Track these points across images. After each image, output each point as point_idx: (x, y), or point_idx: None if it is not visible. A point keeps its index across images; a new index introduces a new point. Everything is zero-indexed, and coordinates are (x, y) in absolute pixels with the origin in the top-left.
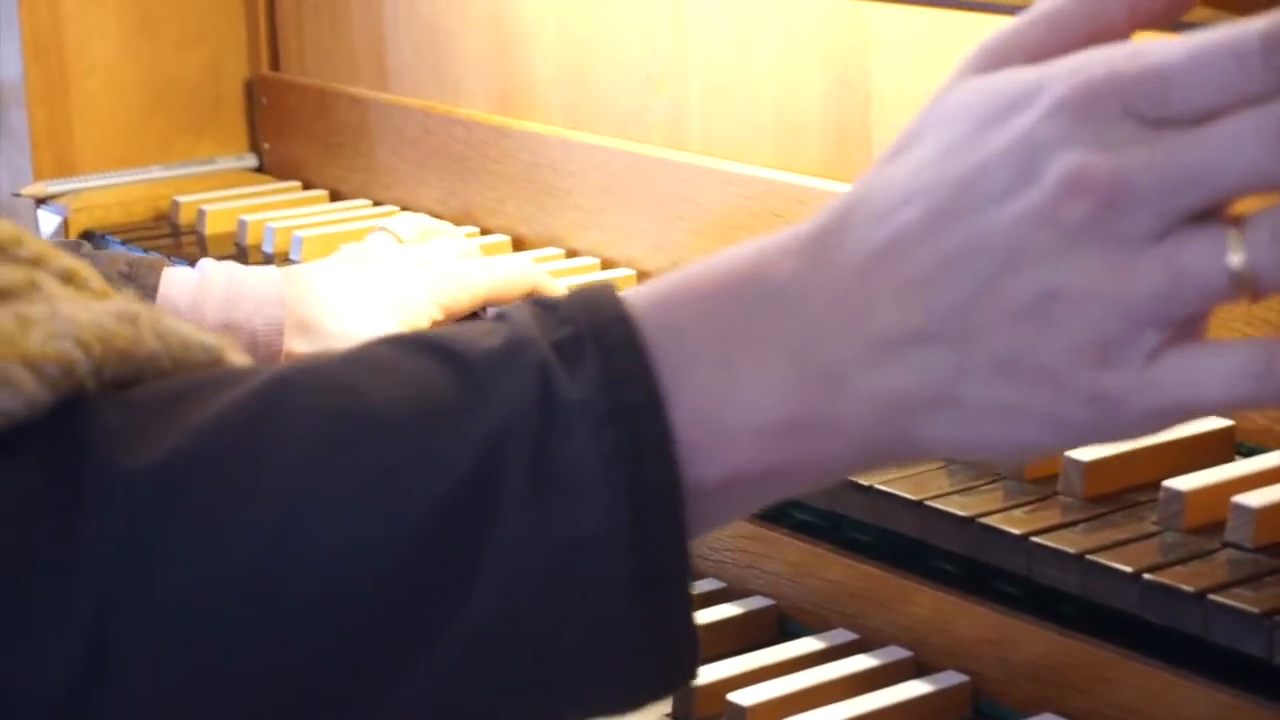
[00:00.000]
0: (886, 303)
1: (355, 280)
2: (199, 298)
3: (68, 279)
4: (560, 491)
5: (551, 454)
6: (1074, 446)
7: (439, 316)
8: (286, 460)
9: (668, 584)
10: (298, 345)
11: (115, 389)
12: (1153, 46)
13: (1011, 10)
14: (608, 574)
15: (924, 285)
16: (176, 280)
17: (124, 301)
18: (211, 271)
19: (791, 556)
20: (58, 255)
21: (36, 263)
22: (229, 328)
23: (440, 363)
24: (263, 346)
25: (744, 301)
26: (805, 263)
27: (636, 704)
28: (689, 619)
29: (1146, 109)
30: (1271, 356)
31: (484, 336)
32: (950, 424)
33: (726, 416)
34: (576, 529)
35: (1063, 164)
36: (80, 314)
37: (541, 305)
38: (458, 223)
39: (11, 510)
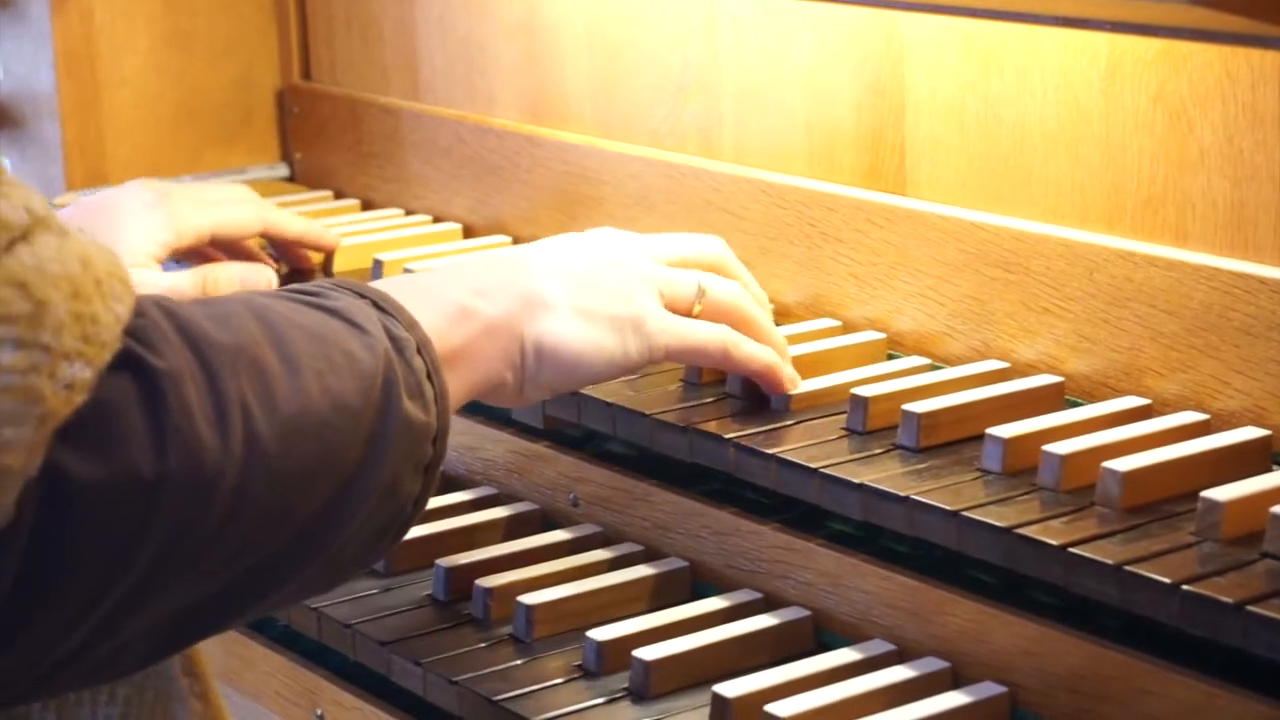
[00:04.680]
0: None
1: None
2: None
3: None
4: (417, 393)
5: (411, 368)
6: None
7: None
8: (297, 341)
9: (435, 470)
10: None
11: None
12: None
13: (1040, 19)
14: (423, 457)
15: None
16: None
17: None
18: None
19: (828, 567)
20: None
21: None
22: None
23: (315, 305)
24: None
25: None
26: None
27: (362, 560)
28: (428, 499)
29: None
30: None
31: (336, 297)
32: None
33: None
34: (421, 419)
35: None
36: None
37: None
38: (490, 232)
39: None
